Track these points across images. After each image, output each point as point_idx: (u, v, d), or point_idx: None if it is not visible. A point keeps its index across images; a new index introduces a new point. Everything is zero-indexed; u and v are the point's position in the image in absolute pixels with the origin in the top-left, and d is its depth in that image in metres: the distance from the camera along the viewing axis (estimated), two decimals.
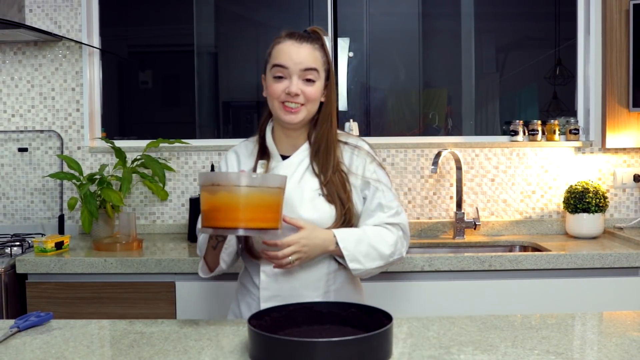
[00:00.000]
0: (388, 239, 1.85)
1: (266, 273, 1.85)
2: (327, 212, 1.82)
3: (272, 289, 1.84)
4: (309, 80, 1.81)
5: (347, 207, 1.83)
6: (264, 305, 1.80)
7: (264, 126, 1.95)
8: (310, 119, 1.87)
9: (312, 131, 1.90)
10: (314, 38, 1.87)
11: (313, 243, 1.76)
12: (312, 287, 1.83)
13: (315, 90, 1.83)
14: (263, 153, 1.92)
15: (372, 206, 1.88)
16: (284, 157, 1.89)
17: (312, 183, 1.85)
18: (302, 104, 1.81)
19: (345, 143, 1.92)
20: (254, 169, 1.89)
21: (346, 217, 1.84)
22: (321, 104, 1.88)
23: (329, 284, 1.86)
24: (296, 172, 1.86)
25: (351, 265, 1.80)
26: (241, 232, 1.53)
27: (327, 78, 1.88)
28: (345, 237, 1.80)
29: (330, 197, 1.82)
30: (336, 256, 1.83)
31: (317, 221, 1.80)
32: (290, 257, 1.72)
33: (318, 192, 1.83)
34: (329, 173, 1.84)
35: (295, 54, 1.81)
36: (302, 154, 1.89)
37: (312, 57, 1.82)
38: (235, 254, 1.87)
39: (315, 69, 1.82)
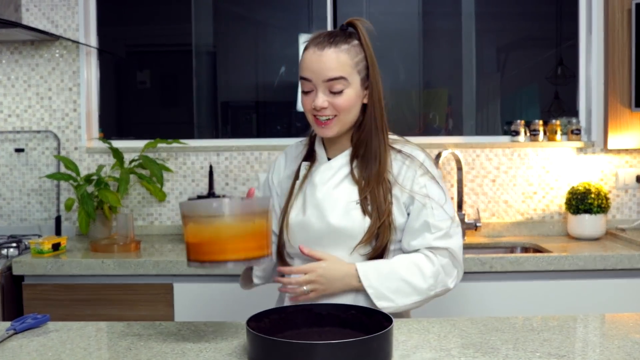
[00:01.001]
0: (426, 270, 1.67)
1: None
2: (359, 222, 1.67)
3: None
4: (334, 88, 1.66)
5: (383, 220, 1.66)
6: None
7: None
8: (350, 126, 1.73)
9: (356, 136, 1.75)
10: (342, 38, 1.70)
11: (331, 275, 1.66)
12: (338, 295, 1.71)
13: (345, 99, 1.67)
14: (310, 155, 1.82)
15: (417, 225, 1.70)
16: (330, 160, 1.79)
17: (351, 190, 1.71)
18: (335, 115, 1.67)
19: (399, 151, 1.75)
20: (297, 171, 1.80)
21: (380, 232, 1.67)
22: (365, 105, 1.73)
23: (358, 293, 1.72)
24: (334, 176, 1.74)
25: (379, 303, 1.64)
26: (230, 266, 1.44)
27: (368, 77, 1.72)
28: (369, 273, 1.66)
29: (366, 208, 1.68)
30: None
31: (346, 230, 1.68)
32: (304, 287, 1.65)
33: (355, 201, 1.69)
34: (371, 182, 1.69)
35: (316, 63, 1.65)
36: (343, 159, 1.76)
37: (335, 64, 1.65)
38: (273, 265, 1.83)
39: (341, 77, 1.65)
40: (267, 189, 1.90)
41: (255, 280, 1.81)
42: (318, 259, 1.67)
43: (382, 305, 1.64)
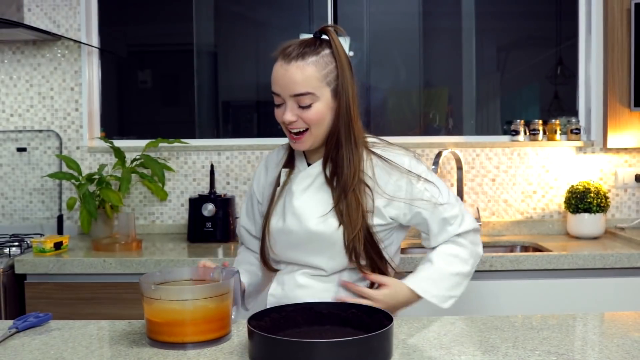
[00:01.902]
0: (463, 254, 1.76)
1: (277, 281, 1.81)
2: (335, 229, 1.68)
3: (278, 295, 1.79)
4: (302, 103, 1.64)
5: (356, 233, 1.66)
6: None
7: None
8: (325, 137, 1.70)
9: (327, 144, 1.73)
10: (311, 49, 1.66)
11: (396, 301, 1.70)
12: (319, 296, 1.73)
13: (314, 113, 1.64)
14: (290, 160, 1.80)
15: (436, 226, 1.74)
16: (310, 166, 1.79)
17: (328, 197, 1.71)
18: (307, 129, 1.66)
19: (380, 157, 1.74)
20: (278, 177, 1.81)
21: (354, 243, 1.67)
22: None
23: (338, 291, 1.76)
24: (313, 183, 1.74)
25: (446, 305, 1.73)
26: (189, 347, 1.42)
27: (337, 87, 1.67)
28: (424, 285, 1.71)
29: (339, 217, 1.67)
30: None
31: (325, 236, 1.69)
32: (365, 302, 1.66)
33: (330, 208, 1.69)
34: (342, 193, 1.67)
35: (282, 78, 1.63)
36: (320, 166, 1.75)
37: (301, 79, 1.62)
38: (260, 281, 1.88)
39: (308, 93, 1.63)
40: (252, 198, 1.92)
41: (249, 307, 1.85)
42: (382, 285, 1.70)
43: (449, 304, 1.74)
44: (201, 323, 1.44)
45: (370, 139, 1.79)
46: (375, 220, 1.71)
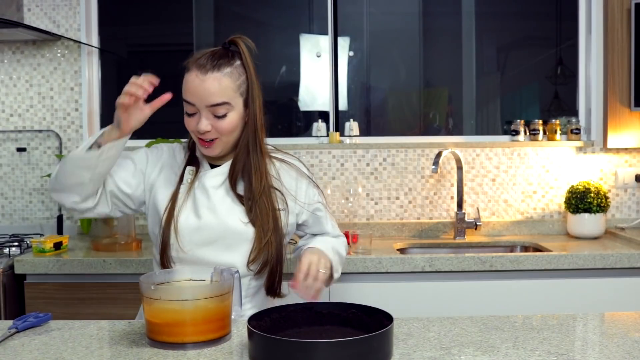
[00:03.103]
0: (343, 241, 1.93)
1: None
2: (251, 228, 1.74)
3: None
4: (218, 113, 1.68)
5: (269, 236, 1.74)
6: None
7: None
8: (232, 146, 1.76)
9: (233, 153, 1.79)
10: (225, 60, 1.70)
11: (321, 253, 1.76)
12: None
13: (228, 123, 1.69)
14: (192, 159, 1.82)
15: (317, 229, 1.90)
16: (213, 167, 1.81)
17: (238, 200, 1.77)
18: (217, 137, 1.71)
19: (282, 161, 1.85)
20: (181, 175, 1.79)
21: (266, 247, 1.74)
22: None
23: (245, 300, 1.80)
24: (225, 182, 1.78)
25: (336, 275, 1.81)
26: (189, 348, 1.43)
27: (248, 97, 1.73)
28: (329, 253, 1.79)
29: (253, 224, 1.74)
30: None
31: (242, 234, 1.74)
32: (322, 270, 1.70)
33: (244, 209, 1.75)
34: (252, 200, 1.74)
35: (198, 88, 1.67)
36: (227, 168, 1.80)
37: (218, 89, 1.67)
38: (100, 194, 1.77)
39: (224, 103, 1.68)
40: (136, 168, 1.84)
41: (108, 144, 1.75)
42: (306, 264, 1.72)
43: (336, 277, 1.81)
44: (201, 323, 1.44)
45: (267, 146, 1.85)
46: (290, 219, 1.82)
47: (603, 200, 3.02)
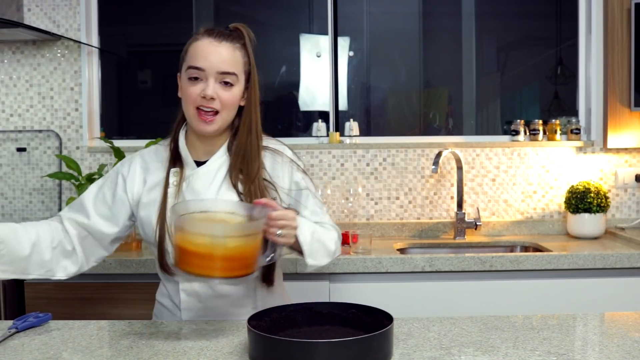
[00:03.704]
0: (332, 235, 1.78)
1: (186, 292, 1.76)
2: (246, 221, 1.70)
3: (194, 309, 1.76)
4: (226, 84, 1.68)
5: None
6: None
7: (178, 130, 1.80)
8: (227, 126, 1.74)
9: (231, 139, 1.76)
10: (235, 36, 1.72)
11: (298, 221, 1.63)
12: (240, 304, 1.75)
13: (232, 95, 1.69)
14: (176, 160, 1.78)
15: (309, 212, 1.79)
16: (199, 164, 1.76)
17: (230, 193, 1.72)
18: (217, 111, 1.68)
19: (266, 147, 1.79)
20: (167, 178, 1.75)
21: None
22: (241, 109, 1.75)
23: (257, 299, 1.78)
24: (215, 180, 1.74)
25: (308, 260, 1.67)
26: (217, 282, 1.45)
27: (248, 81, 1.74)
28: (306, 230, 1.66)
29: (248, 215, 1.67)
30: (291, 248, 1.69)
31: None
32: (279, 231, 1.56)
33: (239, 199, 1.70)
34: (249, 185, 1.71)
35: (213, 54, 1.66)
36: (219, 161, 1.76)
37: (231, 58, 1.68)
38: (55, 260, 1.71)
39: (233, 73, 1.68)
40: (115, 199, 1.79)
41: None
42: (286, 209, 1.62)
43: (310, 262, 1.68)
44: (232, 260, 1.44)
45: None
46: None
47: (603, 200, 3.02)
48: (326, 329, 1.50)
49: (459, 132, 3.51)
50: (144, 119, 3.71)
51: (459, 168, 3.17)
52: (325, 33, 3.41)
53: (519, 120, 3.29)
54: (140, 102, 3.68)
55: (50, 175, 3.10)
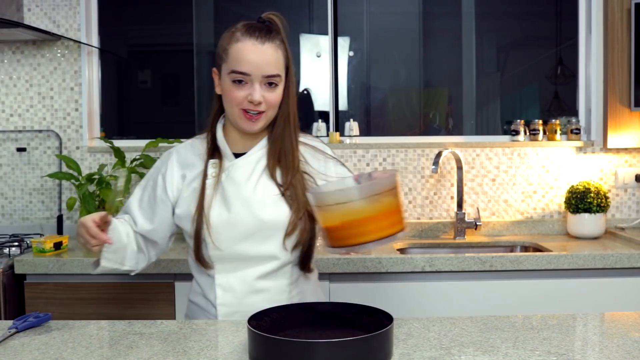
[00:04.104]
0: None
1: (222, 287, 1.74)
2: (287, 215, 1.70)
3: (230, 304, 1.74)
4: (270, 84, 1.67)
5: (303, 212, 1.69)
6: None
7: (215, 122, 1.80)
8: (270, 121, 1.74)
9: (270, 131, 1.76)
10: (274, 33, 1.70)
11: None
12: (276, 300, 1.73)
13: (277, 95, 1.69)
14: (214, 152, 1.77)
15: None
16: (237, 155, 1.76)
17: (270, 184, 1.72)
18: (263, 111, 1.68)
19: (304, 143, 1.80)
20: (205, 170, 1.75)
21: (301, 223, 1.70)
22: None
23: (292, 294, 1.77)
24: (254, 172, 1.74)
25: None
26: (369, 246, 1.42)
27: (287, 74, 1.73)
28: None
29: (288, 201, 1.70)
30: None
31: (278, 224, 1.70)
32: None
33: (278, 194, 1.71)
34: (289, 176, 1.72)
35: (257, 58, 1.65)
36: (259, 153, 1.76)
37: (275, 59, 1.67)
38: (126, 249, 1.75)
39: (278, 75, 1.68)
40: (154, 193, 1.81)
41: (104, 262, 1.71)
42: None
43: None
44: (372, 222, 1.42)
45: None
46: None
47: (603, 200, 3.02)
48: (326, 329, 1.50)
49: (459, 132, 3.51)
50: (144, 119, 3.71)
51: (459, 168, 3.17)
52: (325, 33, 3.41)
53: (519, 120, 3.29)
54: (140, 102, 3.68)
55: (50, 175, 3.10)
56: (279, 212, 1.70)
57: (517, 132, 3.27)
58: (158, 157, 3.16)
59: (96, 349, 1.46)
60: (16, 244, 2.81)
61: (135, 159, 3.14)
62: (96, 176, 3.09)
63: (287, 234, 1.71)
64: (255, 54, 1.65)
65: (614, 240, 3.00)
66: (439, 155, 3.08)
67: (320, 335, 1.46)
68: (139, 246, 1.79)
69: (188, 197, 1.76)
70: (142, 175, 3.13)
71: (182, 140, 3.19)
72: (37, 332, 1.59)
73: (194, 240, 1.73)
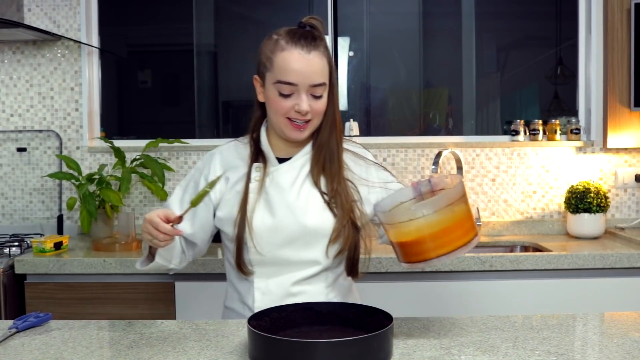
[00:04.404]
0: None
1: (261, 291, 1.73)
2: (331, 221, 1.69)
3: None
4: (316, 93, 1.65)
5: (347, 219, 1.69)
6: None
7: (258, 127, 1.78)
8: (316, 129, 1.73)
9: (315, 137, 1.74)
10: (318, 38, 1.67)
11: None
12: None
13: (323, 103, 1.67)
14: (257, 155, 1.76)
15: None
16: (280, 160, 1.75)
17: (314, 191, 1.71)
18: (310, 119, 1.67)
19: (348, 150, 1.79)
20: (249, 173, 1.74)
21: (345, 229, 1.69)
22: None
23: (329, 297, 1.76)
24: (299, 177, 1.73)
25: None
26: (444, 260, 1.42)
27: (331, 79, 1.70)
28: None
29: (332, 207, 1.69)
30: None
31: (322, 230, 1.69)
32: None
33: (324, 200, 1.70)
34: (334, 183, 1.70)
35: (304, 68, 1.62)
36: (303, 158, 1.75)
37: (321, 68, 1.64)
38: (181, 252, 1.76)
39: (323, 83, 1.65)
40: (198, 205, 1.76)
41: (158, 259, 1.71)
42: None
43: None
44: (445, 234, 1.42)
45: None
46: (366, 209, 1.75)
47: (603, 200, 3.02)
48: (326, 329, 1.50)
49: (459, 132, 3.51)
50: (144, 119, 3.71)
51: (459, 168, 3.17)
52: (326, 33, 3.40)
53: (518, 120, 3.29)
54: (141, 102, 3.69)
55: (51, 175, 3.10)
56: (324, 219, 1.69)
57: (517, 132, 3.27)
58: (158, 157, 3.17)
59: (96, 349, 1.46)
60: (16, 244, 2.81)
61: (135, 159, 3.14)
62: (96, 176, 3.09)
63: (331, 241, 1.70)
64: (302, 64, 1.62)
65: (614, 240, 3.00)
66: (439, 155, 3.08)
67: (320, 335, 1.46)
68: (182, 246, 1.78)
69: (231, 199, 1.74)
70: (142, 176, 3.14)
71: (182, 140, 3.20)
72: (37, 332, 1.59)
73: (235, 244, 1.72)
